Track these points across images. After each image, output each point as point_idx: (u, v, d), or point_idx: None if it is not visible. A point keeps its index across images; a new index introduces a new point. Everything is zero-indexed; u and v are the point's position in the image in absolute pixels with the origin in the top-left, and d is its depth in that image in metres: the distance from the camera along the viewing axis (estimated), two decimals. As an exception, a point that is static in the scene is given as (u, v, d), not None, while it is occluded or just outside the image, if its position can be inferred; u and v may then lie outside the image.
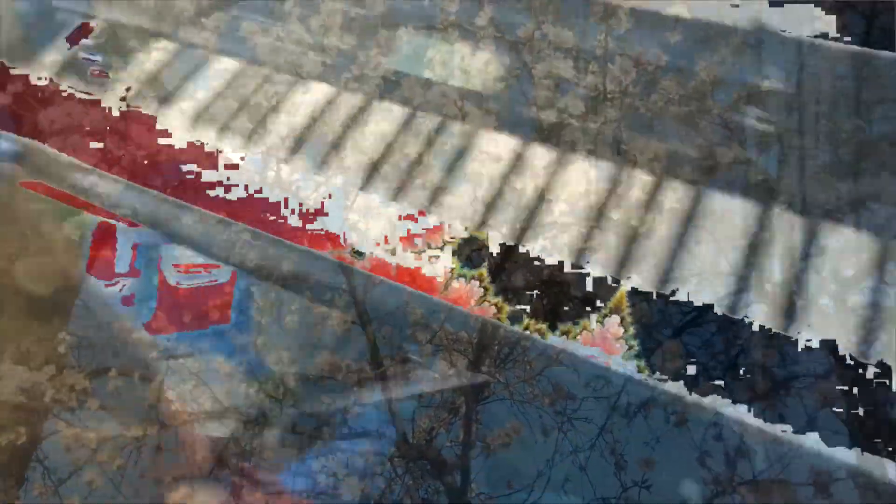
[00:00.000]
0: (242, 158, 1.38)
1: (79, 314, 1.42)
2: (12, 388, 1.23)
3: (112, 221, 1.46)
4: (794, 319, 1.08)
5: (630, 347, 1.11)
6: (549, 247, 1.19)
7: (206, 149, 1.36)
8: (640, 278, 1.15)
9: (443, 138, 1.30)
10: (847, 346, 1.03)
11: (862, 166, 1.13)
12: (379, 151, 1.30)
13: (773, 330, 1.08)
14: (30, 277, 1.38)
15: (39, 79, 1.50)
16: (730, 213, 1.15)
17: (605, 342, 1.12)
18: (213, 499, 1.31)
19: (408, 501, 1.30)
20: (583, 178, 1.21)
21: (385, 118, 1.33)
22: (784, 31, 1.19)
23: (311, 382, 1.40)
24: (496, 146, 1.27)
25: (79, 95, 1.47)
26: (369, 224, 1.22)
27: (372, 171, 1.29)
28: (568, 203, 1.20)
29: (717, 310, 1.12)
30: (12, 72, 1.50)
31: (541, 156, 1.25)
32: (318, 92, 1.39)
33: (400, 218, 1.22)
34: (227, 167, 1.36)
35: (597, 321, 1.15)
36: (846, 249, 1.10)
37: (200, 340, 1.65)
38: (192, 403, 1.51)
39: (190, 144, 1.38)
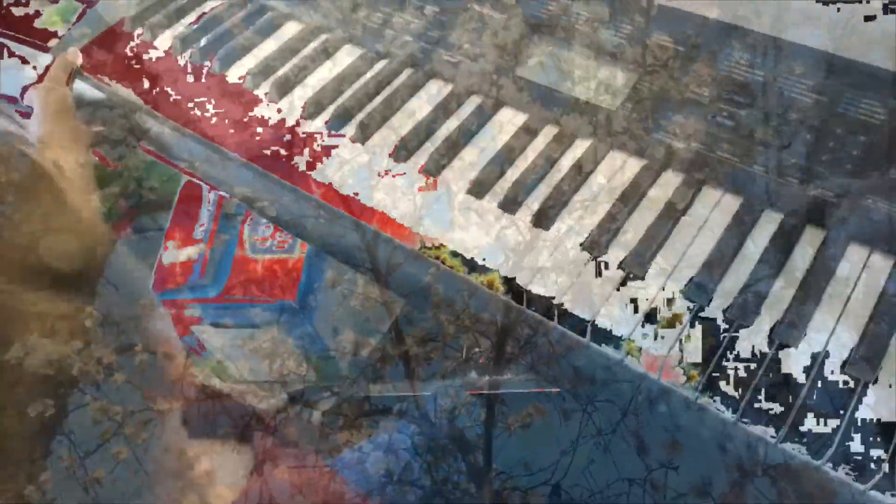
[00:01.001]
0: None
1: (104, 290, 1.43)
2: (40, 360, 1.24)
3: (199, 182, 1.48)
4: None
5: (689, 378, 1.01)
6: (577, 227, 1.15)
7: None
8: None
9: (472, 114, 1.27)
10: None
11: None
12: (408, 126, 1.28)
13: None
14: (56, 253, 1.39)
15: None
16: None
17: (653, 364, 1.02)
18: (236, 472, 1.32)
19: (428, 479, 1.30)
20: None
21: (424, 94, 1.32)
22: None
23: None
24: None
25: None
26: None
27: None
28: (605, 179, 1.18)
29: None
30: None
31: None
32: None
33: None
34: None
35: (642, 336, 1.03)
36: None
37: (265, 313, 1.70)
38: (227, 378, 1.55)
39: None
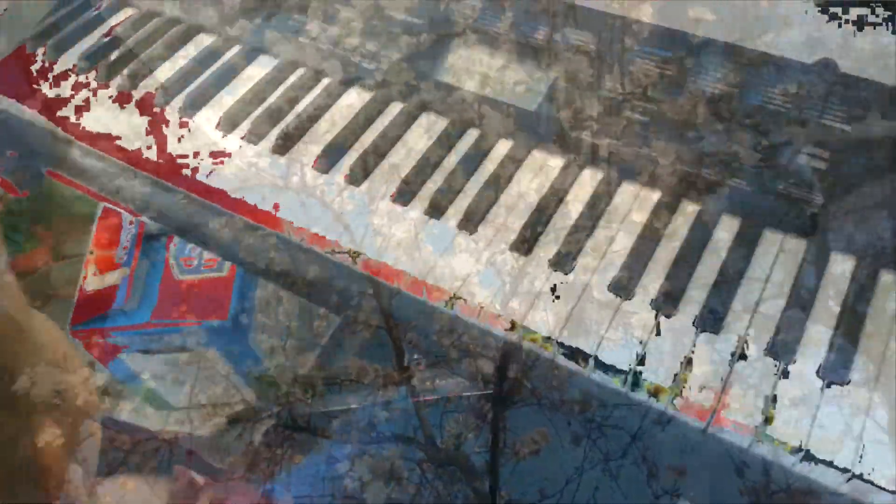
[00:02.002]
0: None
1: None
2: (48, 390, 1.22)
3: (117, 209, 1.44)
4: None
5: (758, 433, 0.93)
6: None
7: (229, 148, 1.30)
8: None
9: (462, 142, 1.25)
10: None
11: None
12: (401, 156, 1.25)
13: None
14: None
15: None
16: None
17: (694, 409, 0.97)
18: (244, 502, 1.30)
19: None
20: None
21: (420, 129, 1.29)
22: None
23: (336, 385, 1.38)
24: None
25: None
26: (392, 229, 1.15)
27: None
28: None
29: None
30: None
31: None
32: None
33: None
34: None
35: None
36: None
37: (197, 335, 1.66)
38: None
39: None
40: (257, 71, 1.40)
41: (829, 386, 0.93)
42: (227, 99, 1.37)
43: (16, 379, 1.22)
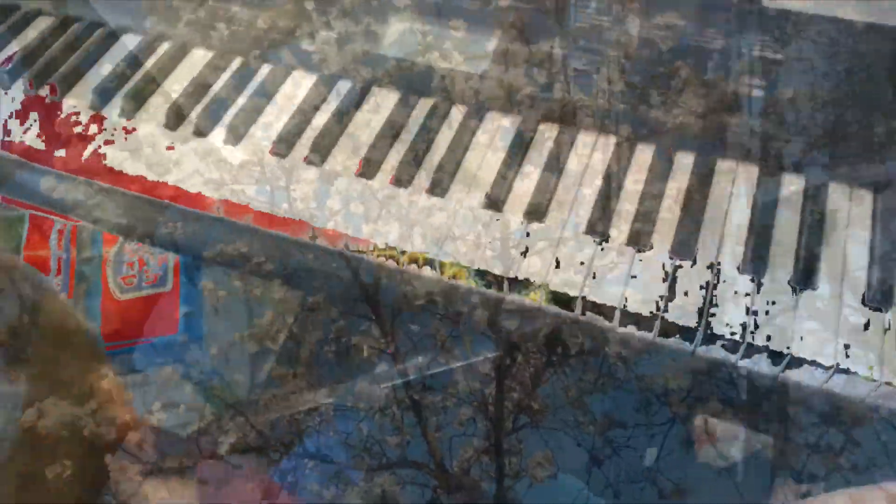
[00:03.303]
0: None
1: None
2: (54, 422, 1.21)
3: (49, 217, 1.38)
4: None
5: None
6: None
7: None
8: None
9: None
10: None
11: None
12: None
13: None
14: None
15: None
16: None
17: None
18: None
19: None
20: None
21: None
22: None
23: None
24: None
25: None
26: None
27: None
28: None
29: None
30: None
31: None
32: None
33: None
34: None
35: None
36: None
37: (148, 355, 1.60)
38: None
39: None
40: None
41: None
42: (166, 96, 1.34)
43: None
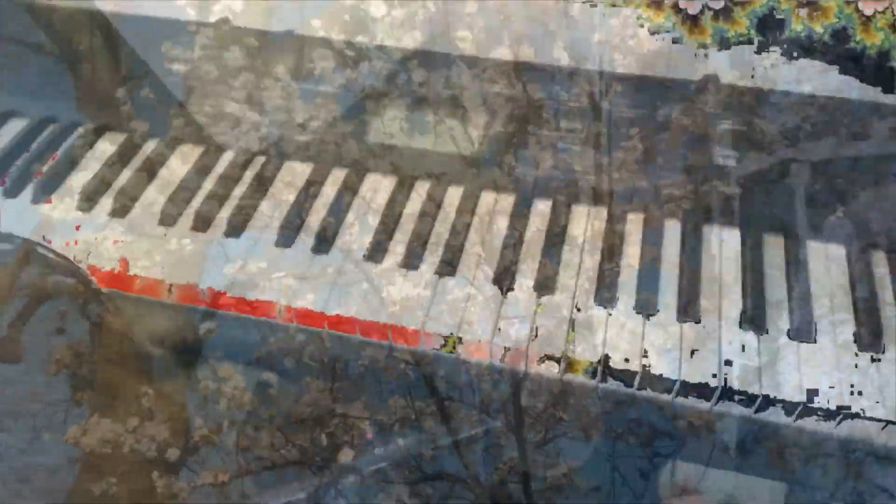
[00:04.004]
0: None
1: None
2: (97, 440, 1.25)
3: None
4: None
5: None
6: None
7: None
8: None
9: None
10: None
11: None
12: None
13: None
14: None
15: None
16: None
17: None
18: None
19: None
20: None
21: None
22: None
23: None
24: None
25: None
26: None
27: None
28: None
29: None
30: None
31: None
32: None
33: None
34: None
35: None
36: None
37: None
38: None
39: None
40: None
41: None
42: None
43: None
